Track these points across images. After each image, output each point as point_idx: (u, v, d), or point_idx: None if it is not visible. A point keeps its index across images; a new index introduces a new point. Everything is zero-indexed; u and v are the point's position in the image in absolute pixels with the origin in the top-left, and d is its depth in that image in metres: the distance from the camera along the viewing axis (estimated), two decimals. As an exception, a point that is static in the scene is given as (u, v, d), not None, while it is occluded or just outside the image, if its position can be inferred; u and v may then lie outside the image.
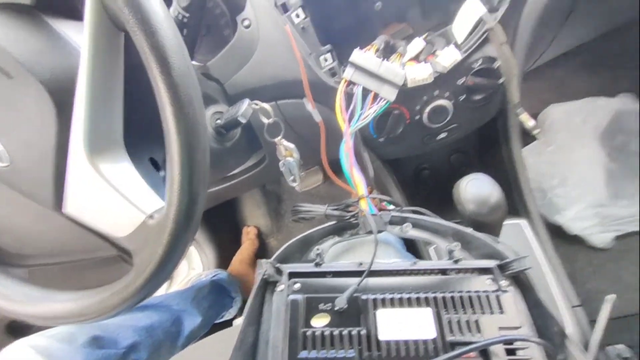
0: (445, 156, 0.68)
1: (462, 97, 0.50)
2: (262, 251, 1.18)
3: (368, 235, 0.40)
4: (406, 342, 0.27)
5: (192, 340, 0.77)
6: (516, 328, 0.28)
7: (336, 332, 0.28)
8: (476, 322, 0.28)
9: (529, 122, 0.49)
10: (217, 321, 0.94)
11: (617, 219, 0.76)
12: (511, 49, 0.46)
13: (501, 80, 0.48)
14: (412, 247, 0.57)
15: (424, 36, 0.53)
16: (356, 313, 0.30)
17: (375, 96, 0.47)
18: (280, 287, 0.33)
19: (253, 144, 0.66)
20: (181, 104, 0.27)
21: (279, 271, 0.34)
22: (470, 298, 0.30)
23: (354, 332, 0.28)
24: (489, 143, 0.64)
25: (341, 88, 0.47)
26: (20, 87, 0.29)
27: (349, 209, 0.38)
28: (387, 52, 0.54)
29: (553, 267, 0.49)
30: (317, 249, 0.36)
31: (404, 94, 0.47)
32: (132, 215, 0.31)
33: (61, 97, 0.30)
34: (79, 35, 0.32)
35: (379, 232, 0.36)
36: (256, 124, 0.58)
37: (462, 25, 0.48)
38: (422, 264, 0.34)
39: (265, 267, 0.34)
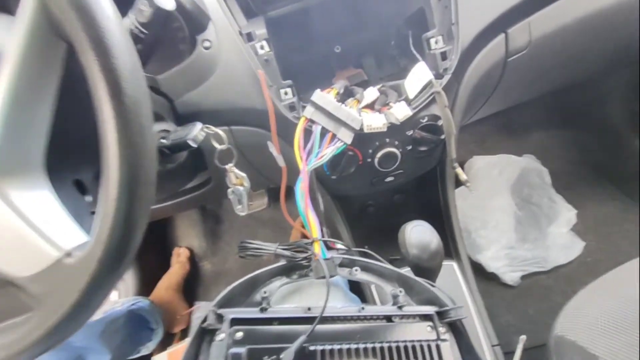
0: (389, 195, 0.72)
1: (409, 147, 0.54)
2: (193, 276, 1.09)
3: (313, 277, 0.40)
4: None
5: (97, 385, 0.66)
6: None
7: (281, 390, 0.27)
8: (418, 373, 0.29)
9: (463, 176, 0.55)
10: (132, 357, 0.81)
11: (523, 260, 0.89)
12: (451, 111, 0.53)
13: (442, 137, 0.54)
14: (355, 284, 0.58)
15: (378, 86, 0.57)
16: (303, 367, 0.29)
17: (333, 137, 0.49)
18: (220, 336, 0.30)
19: (198, 166, 0.62)
20: (130, 133, 0.24)
21: (220, 318, 0.31)
22: (413, 348, 0.31)
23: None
24: (426, 187, 0.70)
25: (301, 125, 0.48)
26: None
27: (300, 249, 0.38)
28: (345, 96, 0.58)
29: (477, 308, 0.54)
30: (264, 292, 0.34)
31: (359, 138, 0.50)
32: (42, 251, 0.26)
33: None
34: (5, 32, 0.27)
35: (331, 276, 0.36)
36: (205, 147, 0.55)
37: (413, 83, 0.53)
38: (369, 310, 0.35)
39: (204, 312, 0.31)
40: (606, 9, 0.58)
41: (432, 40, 0.54)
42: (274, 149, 0.49)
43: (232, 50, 0.52)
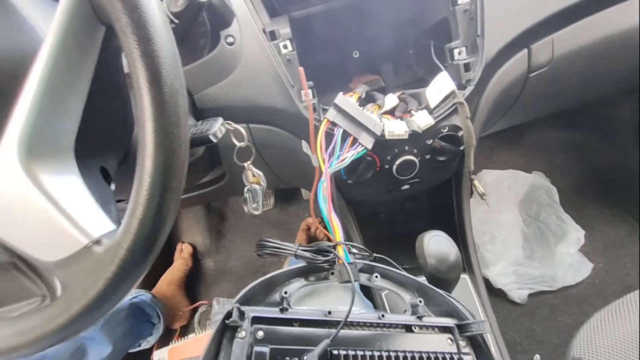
0: (401, 204, 0.72)
1: (428, 156, 0.54)
2: (195, 273, 1.07)
3: (334, 280, 0.39)
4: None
5: (96, 376, 0.64)
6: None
7: (304, 394, 0.26)
8: (440, 385, 0.29)
9: (480, 189, 0.55)
10: (132, 350, 0.80)
11: (531, 278, 0.88)
12: (471, 123, 0.52)
13: (462, 148, 0.53)
14: (366, 290, 0.57)
15: (397, 94, 0.57)
16: (324, 371, 0.29)
17: (354, 140, 0.48)
18: (241, 334, 0.29)
19: (213, 161, 0.62)
20: (167, 123, 0.24)
21: (241, 315, 0.30)
22: (436, 359, 0.30)
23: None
24: (439, 199, 0.70)
25: (323, 127, 0.47)
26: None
27: (321, 252, 0.37)
28: (365, 101, 0.58)
29: (490, 324, 0.53)
30: (285, 292, 0.34)
31: (379, 143, 0.50)
32: (71, 237, 0.25)
33: (1, 82, 0.24)
34: (39, 15, 0.27)
35: (349, 282, 0.35)
36: (223, 143, 0.54)
37: (434, 93, 0.53)
38: (388, 318, 0.34)
39: (227, 308, 0.30)
40: (628, 30, 0.59)
41: (456, 51, 0.54)
42: (308, 149, 0.49)
43: (255, 47, 0.51)
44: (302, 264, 0.38)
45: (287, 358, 0.29)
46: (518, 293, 0.87)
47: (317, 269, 0.38)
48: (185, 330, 0.96)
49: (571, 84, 0.65)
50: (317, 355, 0.28)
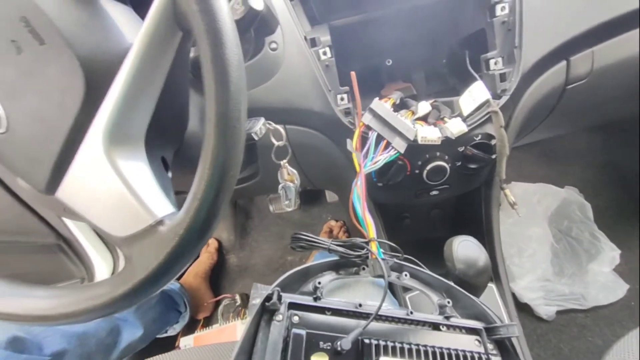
0: (426, 210, 0.73)
1: (459, 163, 0.55)
2: (219, 267, 1.12)
3: (364, 275, 0.40)
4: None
5: (127, 355, 0.69)
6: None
7: (339, 375, 0.28)
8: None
9: (511, 198, 0.55)
10: (159, 336, 0.84)
11: (559, 294, 0.85)
12: (505, 132, 0.53)
13: (494, 156, 0.54)
14: (389, 289, 0.58)
15: (431, 101, 0.59)
16: (355, 356, 0.30)
17: (387, 144, 0.50)
18: (278, 317, 0.32)
19: (248, 159, 0.65)
20: (229, 118, 0.26)
21: (279, 299, 0.32)
22: (464, 356, 0.31)
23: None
24: (465, 207, 0.70)
25: (358, 130, 0.49)
26: (50, 57, 0.27)
27: (353, 247, 0.39)
28: (399, 107, 0.59)
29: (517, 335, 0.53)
30: (319, 282, 0.36)
31: (411, 148, 0.51)
32: (139, 216, 0.29)
33: (94, 78, 0.28)
34: (127, 20, 0.31)
35: (381, 276, 0.37)
36: (261, 142, 0.58)
37: (468, 101, 0.54)
38: (417, 315, 0.35)
39: (266, 291, 0.33)
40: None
41: (492, 61, 0.55)
42: (351, 146, 0.51)
43: (296, 53, 0.55)
44: (329, 259, 0.40)
45: (321, 342, 0.31)
46: (545, 309, 0.84)
47: (348, 264, 0.40)
48: (208, 321, 0.99)
49: (609, 97, 0.64)
50: (351, 341, 0.29)
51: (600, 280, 0.87)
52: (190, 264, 1.04)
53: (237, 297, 1.01)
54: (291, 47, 0.55)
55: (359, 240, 0.39)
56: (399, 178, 0.55)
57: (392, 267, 0.40)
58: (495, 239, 0.61)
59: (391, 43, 0.72)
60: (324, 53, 0.55)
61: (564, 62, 0.55)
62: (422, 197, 0.59)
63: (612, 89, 0.61)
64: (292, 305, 0.33)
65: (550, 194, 0.99)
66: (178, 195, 0.34)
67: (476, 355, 0.32)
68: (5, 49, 0.26)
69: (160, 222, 0.28)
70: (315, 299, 0.34)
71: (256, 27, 0.54)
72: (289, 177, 0.54)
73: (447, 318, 0.36)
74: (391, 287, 0.59)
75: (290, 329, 0.30)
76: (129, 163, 0.29)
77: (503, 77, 0.53)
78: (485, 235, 0.63)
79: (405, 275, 0.39)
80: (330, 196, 1.18)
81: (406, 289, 0.60)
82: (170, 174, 0.37)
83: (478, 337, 0.35)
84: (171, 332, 0.89)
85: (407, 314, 0.35)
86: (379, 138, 0.50)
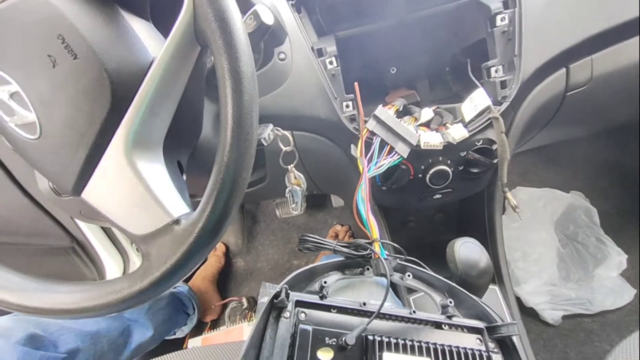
0: (430, 214, 0.74)
1: (461, 168, 0.56)
2: (227, 270, 1.14)
3: (368, 276, 0.42)
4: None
5: (137, 355, 0.70)
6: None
7: (344, 369, 0.29)
8: (469, 377, 0.31)
9: (513, 201, 0.56)
10: (168, 338, 0.86)
11: (566, 299, 0.85)
12: (506, 137, 0.54)
13: (495, 161, 0.55)
14: (393, 291, 0.59)
15: (433, 108, 0.60)
16: (360, 352, 0.31)
17: (391, 149, 0.52)
18: (286, 314, 0.33)
19: (256, 164, 0.67)
20: (243, 123, 0.29)
21: (287, 297, 0.34)
22: (465, 354, 0.32)
23: (361, 371, 0.29)
24: (469, 211, 0.71)
25: (363, 136, 0.51)
26: (82, 70, 0.30)
27: (357, 248, 0.41)
28: (402, 113, 0.61)
29: (519, 335, 0.53)
30: (324, 282, 0.37)
31: (414, 153, 0.53)
32: (157, 215, 0.31)
33: (120, 89, 0.30)
34: (150, 36, 0.34)
35: (384, 275, 0.38)
36: (269, 147, 0.60)
37: (469, 107, 0.56)
38: (420, 314, 0.36)
39: (274, 290, 0.34)
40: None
41: (493, 69, 0.56)
42: (356, 152, 0.53)
43: (304, 63, 0.57)
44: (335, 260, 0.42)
45: (327, 338, 0.32)
46: (551, 314, 0.84)
47: (353, 265, 0.42)
48: (215, 324, 1.01)
49: (610, 104, 0.65)
50: (355, 337, 0.31)
51: (607, 285, 0.87)
52: (201, 264, 1.06)
53: (244, 300, 1.02)
54: (299, 57, 0.57)
55: (362, 241, 0.40)
56: (402, 182, 0.56)
57: (396, 268, 0.41)
58: (499, 242, 0.62)
59: (395, 52, 0.74)
60: (330, 62, 0.57)
61: (563, 70, 0.57)
62: (425, 200, 0.61)
63: (612, 96, 0.62)
64: (299, 303, 0.35)
65: (556, 199, 1.00)
66: (193, 199, 0.36)
67: (477, 353, 0.33)
68: (42, 62, 0.29)
69: (176, 222, 0.31)
70: (322, 298, 0.36)
71: (266, 38, 0.58)
72: (295, 181, 0.56)
73: (449, 317, 0.37)
74: (395, 288, 0.61)
75: (298, 325, 0.32)
76: (148, 166, 0.32)
77: (503, 85, 0.54)
78: (489, 238, 0.64)
79: (409, 275, 0.41)
80: (336, 201, 1.20)
81: (410, 291, 0.61)
82: (184, 177, 0.39)
83: (480, 336, 0.36)
84: (179, 334, 0.91)
85: (410, 313, 0.37)
86: (383, 143, 0.51)
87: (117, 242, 0.89)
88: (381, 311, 0.35)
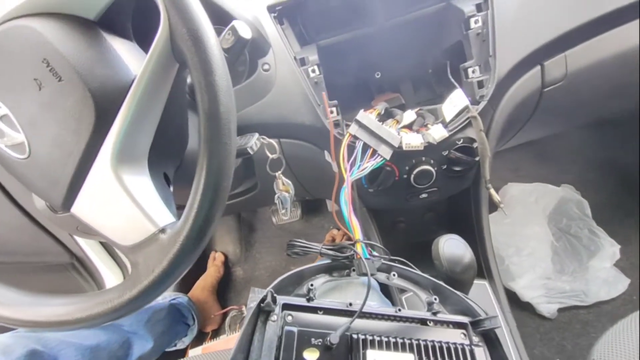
0: (420, 214, 0.75)
1: (444, 167, 0.58)
2: (226, 280, 1.14)
3: (355, 277, 0.43)
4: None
5: (138, 369, 0.71)
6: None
7: (327, 367, 0.30)
8: (452, 372, 0.32)
9: (496, 197, 0.57)
10: (169, 349, 0.87)
11: (561, 292, 0.86)
12: (486, 135, 0.56)
13: (477, 158, 0.56)
14: (385, 292, 0.60)
15: (416, 110, 0.62)
16: (345, 351, 0.32)
17: (374, 152, 0.53)
18: (273, 317, 0.34)
19: (247, 173, 0.69)
20: (221, 134, 0.30)
21: (274, 301, 0.35)
22: (448, 349, 0.33)
23: (345, 369, 0.30)
24: (458, 209, 0.72)
25: (345, 140, 0.53)
26: (67, 91, 0.31)
27: (343, 250, 0.42)
28: (385, 116, 0.63)
29: (510, 329, 0.54)
30: (311, 285, 0.38)
31: (397, 155, 0.54)
32: (143, 226, 0.32)
33: (103, 107, 0.32)
34: (131, 55, 0.35)
35: (365, 274, 0.39)
36: (257, 156, 0.62)
37: (449, 108, 0.58)
38: (405, 312, 0.37)
39: (262, 294, 0.35)
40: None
41: (470, 70, 0.58)
42: (329, 157, 0.55)
43: (287, 73, 0.59)
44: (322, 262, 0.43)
45: (312, 339, 0.33)
46: (547, 307, 0.84)
47: (340, 266, 0.43)
48: (216, 333, 1.01)
49: (590, 97, 0.67)
50: (339, 335, 0.32)
51: (601, 276, 0.87)
52: (198, 272, 1.07)
53: (244, 309, 1.03)
54: (282, 67, 0.59)
55: (346, 243, 0.41)
56: (388, 183, 0.58)
57: (381, 268, 0.42)
58: (486, 238, 0.63)
59: (378, 57, 0.76)
60: (313, 71, 0.59)
61: (538, 67, 0.58)
62: (412, 200, 0.62)
63: (589, 90, 0.64)
64: (287, 306, 0.36)
65: (548, 193, 1.01)
66: (180, 210, 0.37)
67: (459, 347, 0.34)
68: (29, 86, 0.31)
69: (162, 231, 0.32)
70: (309, 300, 0.37)
71: (250, 51, 0.59)
72: (284, 187, 0.57)
73: (435, 314, 0.38)
74: (386, 288, 0.61)
75: (284, 328, 0.33)
76: (134, 179, 0.33)
77: (480, 84, 0.56)
78: (476, 234, 0.65)
79: (394, 275, 0.42)
80: (332, 206, 1.21)
81: (402, 291, 0.62)
82: (171, 188, 0.41)
83: (464, 331, 0.37)
84: (180, 345, 0.91)
85: (396, 312, 0.38)
86: (366, 147, 0.53)
87: (116, 255, 0.90)
88: (366, 310, 0.36)
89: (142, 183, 0.34)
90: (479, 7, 0.56)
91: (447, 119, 0.57)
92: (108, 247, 0.88)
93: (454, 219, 0.73)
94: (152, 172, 0.36)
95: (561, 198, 1.00)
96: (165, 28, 0.30)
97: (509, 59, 0.55)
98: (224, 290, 1.12)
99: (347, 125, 0.56)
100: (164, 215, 0.33)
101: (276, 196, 0.58)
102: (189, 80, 0.44)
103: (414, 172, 0.56)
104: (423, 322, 0.38)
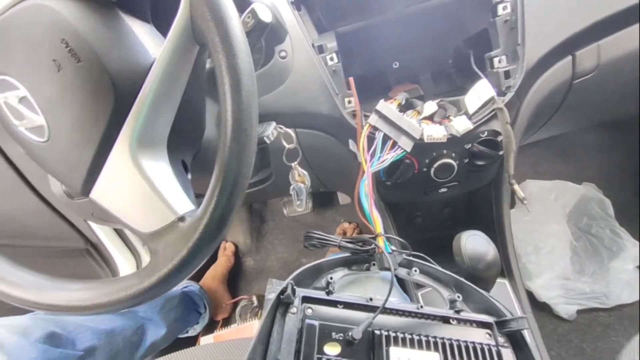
0: (438, 208, 0.73)
1: (466, 160, 0.55)
2: (236, 270, 1.15)
3: (375, 271, 0.42)
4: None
5: (151, 353, 0.72)
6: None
7: (350, 362, 0.29)
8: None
9: (520, 193, 0.55)
10: (181, 336, 0.88)
11: (580, 293, 0.83)
12: (512, 128, 0.53)
13: (501, 152, 0.54)
14: (401, 287, 0.59)
15: (437, 101, 0.60)
16: (367, 347, 0.31)
17: (394, 144, 0.52)
18: (293, 310, 0.33)
19: (262, 163, 0.68)
20: (242, 120, 0.29)
21: (294, 293, 0.34)
22: (474, 349, 0.32)
23: (367, 365, 0.29)
24: (477, 204, 0.70)
25: (365, 131, 0.51)
26: (86, 73, 0.30)
27: (362, 244, 0.40)
28: (405, 107, 0.61)
29: (531, 330, 0.52)
30: (330, 278, 0.37)
31: (418, 147, 0.52)
32: (162, 213, 0.31)
33: (122, 90, 0.31)
34: (150, 38, 0.34)
35: (388, 269, 0.38)
36: (273, 146, 0.60)
37: (473, 99, 0.55)
38: (427, 309, 0.36)
39: (281, 286, 0.34)
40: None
41: (496, 60, 0.55)
42: (354, 147, 0.53)
43: (305, 60, 0.57)
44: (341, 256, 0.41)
45: (334, 333, 0.32)
46: (565, 308, 0.82)
47: (359, 260, 0.42)
48: (227, 322, 1.02)
49: (619, 90, 0.63)
50: (362, 331, 0.31)
51: (624, 278, 0.84)
52: (211, 261, 1.07)
53: (254, 298, 1.03)
54: (300, 54, 0.57)
55: (367, 236, 0.40)
56: (407, 176, 0.56)
57: (402, 263, 0.41)
58: (507, 235, 0.61)
59: (397, 46, 0.73)
60: (331, 59, 0.57)
61: (569, 57, 0.55)
62: (431, 194, 0.60)
63: (622, 83, 0.61)
64: (306, 299, 0.35)
65: (568, 191, 0.97)
66: (198, 198, 0.36)
67: (486, 348, 0.32)
68: (47, 67, 0.30)
69: (181, 219, 0.31)
70: (328, 294, 0.36)
71: (266, 38, 0.58)
72: (299, 178, 0.56)
73: (458, 312, 0.37)
74: (403, 284, 0.60)
75: (304, 321, 0.32)
76: (153, 165, 0.32)
77: (507, 75, 0.54)
78: (497, 232, 0.63)
79: (415, 270, 0.41)
80: (343, 198, 1.20)
81: (418, 286, 0.60)
82: (189, 176, 0.40)
83: (489, 331, 0.36)
84: (192, 332, 0.92)
85: (418, 308, 0.36)
86: (386, 138, 0.51)
87: (129, 242, 0.91)
88: (389, 306, 0.35)
89: (161, 169, 0.33)
90: (507, -7, 0.53)
91: (471, 111, 0.55)
92: (121, 233, 0.89)
93: (473, 215, 0.71)
94: (171, 159, 0.35)
95: (582, 196, 0.97)
96: (186, 7, 0.29)
97: (539, 48, 0.52)
98: (235, 280, 1.13)
99: (366, 116, 0.54)
100: (183, 203, 0.32)
101: (292, 187, 0.57)
102: (207, 65, 0.43)
103: (435, 165, 0.54)
104: (445, 320, 0.36)
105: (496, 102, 0.52)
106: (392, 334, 0.32)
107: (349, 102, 0.57)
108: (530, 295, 0.85)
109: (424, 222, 0.73)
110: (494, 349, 0.33)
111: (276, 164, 0.65)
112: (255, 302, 1.02)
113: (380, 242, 0.39)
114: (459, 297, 0.38)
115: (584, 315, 0.84)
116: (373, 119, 0.52)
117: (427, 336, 0.33)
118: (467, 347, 0.32)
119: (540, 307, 0.85)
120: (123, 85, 0.30)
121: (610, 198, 0.97)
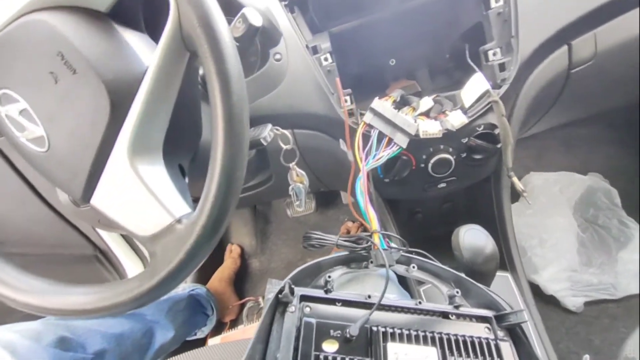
0: (438, 204, 0.73)
1: (464, 155, 0.55)
2: (243, 271, 1.16)
3: (373, 269, 0.42)
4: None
5: (160, 356, 0.73)
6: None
7: (347, 359, 0.29)
8: (477, 366, 0.30)
9: (519, 185, 0.54)
10: (189, 339, 0.89)
11: (587, 284, 0.82)
12: (508, 121, 0.53)
13: (499, 145, 0.54)
14: (403, 284, 0.59)
15: (433, 96, 0.60)
16: (365, 343, 0.32)
17: (390, 141, 0.52)
18: (291, 309, 0.34)
19: (261, 165, 0.69)
20: (234, 123, 0.29)
21: (292, 292, 0.35)
22: (472, 343, 0.32)
23: (365, 361, 0.29)
24: (477, 199, 0.70)
25: (360, 129, 0.52)
26: (81, 83, 0.31)
27: (359, 241, 0.41)
28: (401, 104, 0.61)
29: (535, 323, 0.52)
30: (329, 276, 0.38)
31: (414, 143, 0.53)
32: (160, 216, 0.32)
33: (118, 99, 0.32)
34: (143, 46, 0.35)
35: (384, 266, 0.38)
36: (271, 147, 0.61)
37: (469, 93, 0.55)
38: (425, 305, 0.36)
39: (279, 286, 0.35)
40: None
41: (490, 52, 0.55)
42: (344, 146, 0.54)
43: (299, 62, 0.58)
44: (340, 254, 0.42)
45: (331, 330, 0.33)
46: (572, 300, 0.81)
47: (357, 258, 0.42)
48: (234, 324, 1.03)
49: (620, 78, 0.62)
50: (359, 327, 0.31)
51: (632, 268, 0.83)
52: (215, 262, 1.09)
53: (261, 300, 1.04)
54: (294, 56, 0.58)
55: (363, 234, 0.40)
56: (404, 173, 0.56)
57: (400, 260, 0.41)
58: (508, 229, 0.61)
59: (393, 43, 0.73)
60: (325, 59, 0.58)
61: (565, 47, 0.55)
62: (430, 190, 0.60)
63: (620, 71, 0.60)
64: (304, 298, 0.35)
65: (573, 182, 0.96)
66: (196, 202, 0.37)
67: (484, 341, 0.32)
68: (45, 79, 0.31)
69: (178, 221, 0.32)
70: (326, 292, 0.36)
71: (261, 41, 0.58)
72: (298, 178, 0.57)
73: (457, 307, 0.37)
74: (404, 280, 0.60)
75: (302, 319, 0.33)
76: (149, 169, 0.33)
77: (502, 67, 0.53)
78: (498, 225, 0.62)
79: (413, 267, 0.41)
80: (346, 198, 1.20)
81: (420, 283, 0.60)
82: (187, 179, 0.41)
83: (488, 325, 0.35)
84: (200, 334, 0.93)
85: (416, 304, 0.36)
86: (381, 135, 0.51)
87: (137, 248, 0.93)
88: (386, 303, 0.35)
89: (158, 173, 0.34)
90: (499, -15, 0.53)
91: (467, 105, 0.55)
92: (129, 239, 0.91)
93: (473, 209, 0.71)
94: (167, 163, 0.36)
95: (588, 187, 0.95)
96: (175, 16, 0.29)
97: (533, 39, 0.52)
98: (241, 281, 1.14)
99: (362, 114, 0.55)
100: (180, 206, 0.33)
101: (290, 187, 0.57)
102: (201, 71, 0.44)
103: (432, 160, 0.55)
104: (445, 315, 0.36)
105: (491, 95, 0.52)
106: (390, 330, 0.32)
107: (345, 101, 0.58)
108: (537, 289, 0.84)
109: (425, 218, 0.73)
110: (492, 343, 0.33)
111: (275, 166, 0.66)
112: (262, 303, 1.03)
113: (376, 239, 0.39)
114: (457, 292, 0.38)
115: (592, 307, 0.83)
116: (368, 117, 0.53)
117: (424, 331, 0.33)
118: (465, 342, 0.33)
119: (547, 300, 0.84)
120: (118, 94, 0.31)
121: (617, 188, 0.96)
